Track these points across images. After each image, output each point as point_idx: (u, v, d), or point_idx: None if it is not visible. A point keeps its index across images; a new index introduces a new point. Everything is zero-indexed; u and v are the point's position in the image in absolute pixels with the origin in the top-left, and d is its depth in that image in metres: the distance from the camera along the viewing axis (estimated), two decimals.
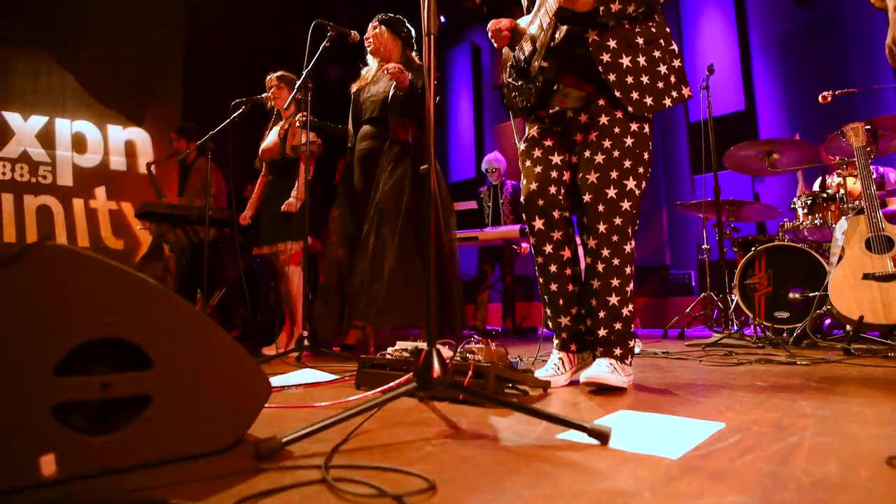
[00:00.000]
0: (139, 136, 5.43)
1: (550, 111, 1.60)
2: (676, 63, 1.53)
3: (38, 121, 5.06)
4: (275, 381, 1.79)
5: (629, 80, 1.46)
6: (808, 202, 3.05)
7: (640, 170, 1.50)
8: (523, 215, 1.64)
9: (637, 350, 2.70)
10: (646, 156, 1.51)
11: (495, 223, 4.80)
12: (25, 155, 4.97)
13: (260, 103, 2.98)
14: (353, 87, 2.74)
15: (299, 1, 5.86)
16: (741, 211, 3.55)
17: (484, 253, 4.77)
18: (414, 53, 2.71)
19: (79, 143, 5.21)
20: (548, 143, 1.61)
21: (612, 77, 1.46)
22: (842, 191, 2.90)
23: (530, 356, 2.51)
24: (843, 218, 2.45)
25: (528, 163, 1.64)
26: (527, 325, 4.73)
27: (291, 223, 2.83)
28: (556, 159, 1.60)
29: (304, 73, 2.43)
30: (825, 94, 3.17)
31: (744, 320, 3.29)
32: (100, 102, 5.29)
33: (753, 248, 3.12)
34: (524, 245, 4.55)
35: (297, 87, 2.47)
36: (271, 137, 3.06)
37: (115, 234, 5.27)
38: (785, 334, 2.92)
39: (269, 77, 3.07)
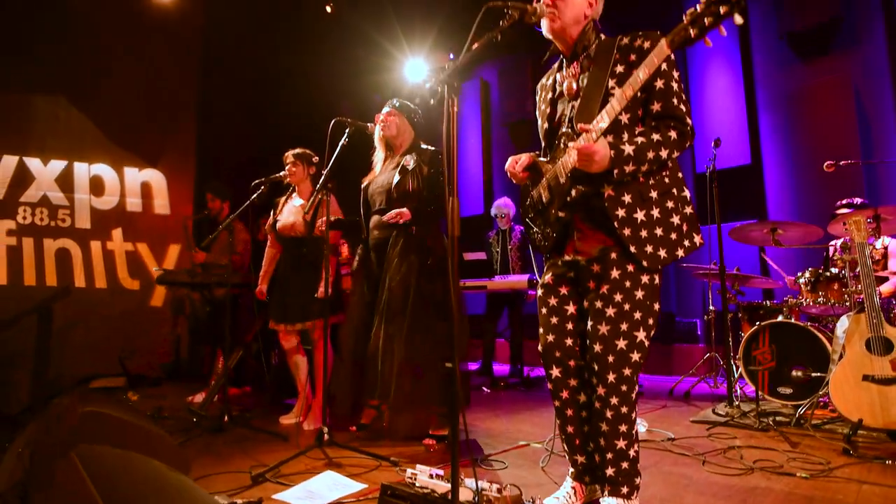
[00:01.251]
0: (154, 177, 5.54)
1: (566, 258, 1.67)
2: (688, 210, 1.58)
3: (57, 165, 5.19)
4: (299, 495, 1.90)
5: (643, 233, 1.51)
6: (812, 280, 3.14)
7: (650, 321, 1.56)
8: (541, 361, 1.71)
9: (643, 430, 2.80)
10: (655, 306, 1.57)
11: (504, 268, 4.90)
12: (45, 199, 5.11)
13: (277, 181, 3.11)
14: (364, 182, 2.83)
15: (308, 46, 6.00)
16: (747, 281, 3.64)
17: (492, 296, 4.87)
18: (423, 145, 2.79)
19: (96, 186, 5.33)
20: (562, 291, 1.68)
21: (626, 232, 1.51)
22: (845, 270, 2.99)
23: (541, 437, 2.61)
24: (845, 315, 2.54)
25: (544, 310, 1.71)
26: (535, 374, 4.85)
27: (318, 301, 2.94)
28: (571, 309, 1.67)
29: (325, 173, 2.53)
30: (829, 163, 3.26)
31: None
32: (116, 145, 5.38)
33: (757, 324, 3.21)
34: (531, 293, 4.65)
35: (318, 187, 2.57)
36: (291, 214, 3.13)
37: (132, 275, 5.38)
38: (789, 403, 3.01)
39: (286, 154, 3.17)
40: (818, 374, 2.91)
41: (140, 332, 5.27)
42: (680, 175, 1.61)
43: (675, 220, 1.55)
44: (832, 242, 3.57)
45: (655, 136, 1.49)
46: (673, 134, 1.50)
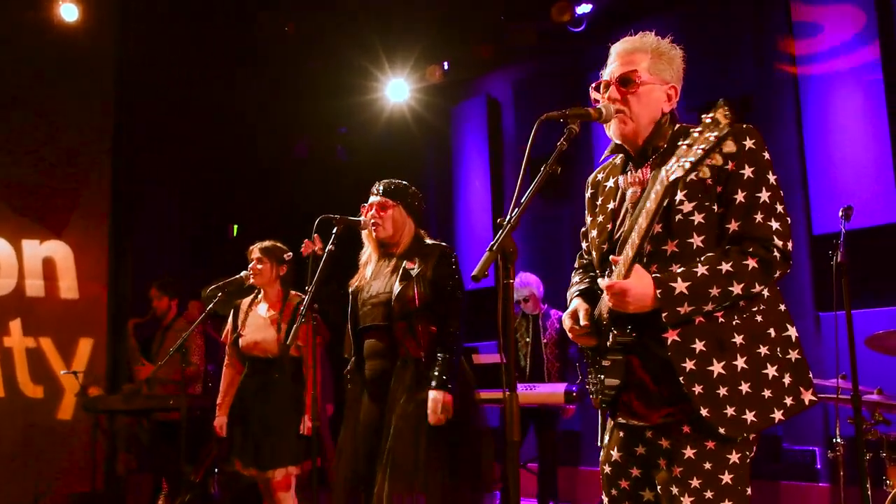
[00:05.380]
0: (59, 252, 4.69)
1: (620, 420, 1.44)
2: (793, 355, 1.29)
3: None
4: None
5: (722, 392, 1.25)
6: None
7: None
8: None
9: None
10: (748, 491, 1.32)
11: (536, 372, 3.88)
12: None
13: (239, 283, 2.91)
14: (352, 285, 2.54)
15: (257, 69, 5.30)
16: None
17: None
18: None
19: None
20: (635, 473, 1.45)
21: (697, 390, 1.25)
22: None
23: None
24: None
25: (614, 492, 1.50)
26: None
27: (286, 441, 2.79)
28: (648, 495, 1.42)
29: (309, 290, 2.31)
30: None
31: None
32: (12, 211, 4.59)
33: None
34: (570, 408, 3.79)
35: (302, 310, 2.31)
36: (259, 330, 2.89)
37: (34, 379, 4.59)
38: None
39: (251, 249, 2.94)
40: None
41: (47, 452, 4.57)
42: (782, 308, 1.31)
43: (771, 371, 1.28)
44: None
45: (725, 267, 1.25)
46: (751, 262, 1.25)
